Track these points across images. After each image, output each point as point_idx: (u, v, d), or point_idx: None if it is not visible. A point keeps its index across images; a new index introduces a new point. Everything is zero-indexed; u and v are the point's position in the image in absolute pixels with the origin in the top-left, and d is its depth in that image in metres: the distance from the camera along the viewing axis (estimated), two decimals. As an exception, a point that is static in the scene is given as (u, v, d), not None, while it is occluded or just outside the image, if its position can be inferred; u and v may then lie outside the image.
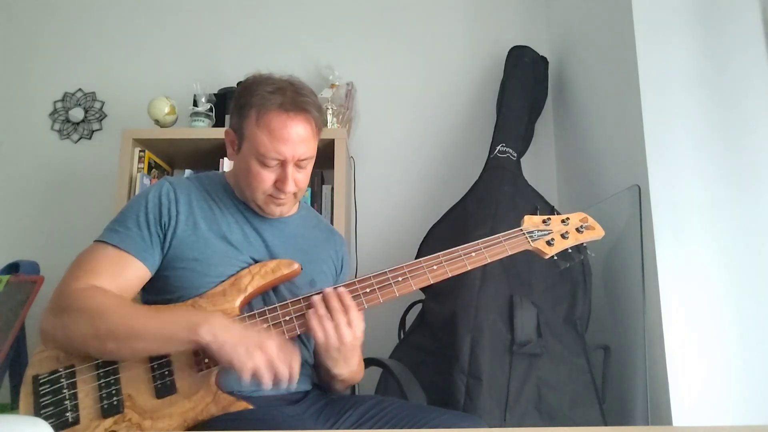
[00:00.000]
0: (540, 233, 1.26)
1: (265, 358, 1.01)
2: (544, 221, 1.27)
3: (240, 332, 1.03)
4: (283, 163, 1.18)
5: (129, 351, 1.06)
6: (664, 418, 1.47)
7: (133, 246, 1.15)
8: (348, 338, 1.10)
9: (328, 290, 1.13)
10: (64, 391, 1.05)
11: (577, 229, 1.28)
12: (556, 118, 2.41)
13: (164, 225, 1.19)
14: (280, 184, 1.19)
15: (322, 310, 1.11)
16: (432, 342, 1.77)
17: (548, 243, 1.25)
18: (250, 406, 1.09)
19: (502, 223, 1.76)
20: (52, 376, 1.06)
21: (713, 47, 1.65)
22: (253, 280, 1.17)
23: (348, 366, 1.17)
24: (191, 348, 1.06)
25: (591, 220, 1.30)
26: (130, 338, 1.04)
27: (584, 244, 1.29)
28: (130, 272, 1.14)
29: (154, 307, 1.14)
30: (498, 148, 2.00)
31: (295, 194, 1.24)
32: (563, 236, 1.26)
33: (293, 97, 1.18)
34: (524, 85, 2.15)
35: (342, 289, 1.13)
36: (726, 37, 1.66)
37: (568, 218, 1.28)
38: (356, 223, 2.30)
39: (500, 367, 1.60)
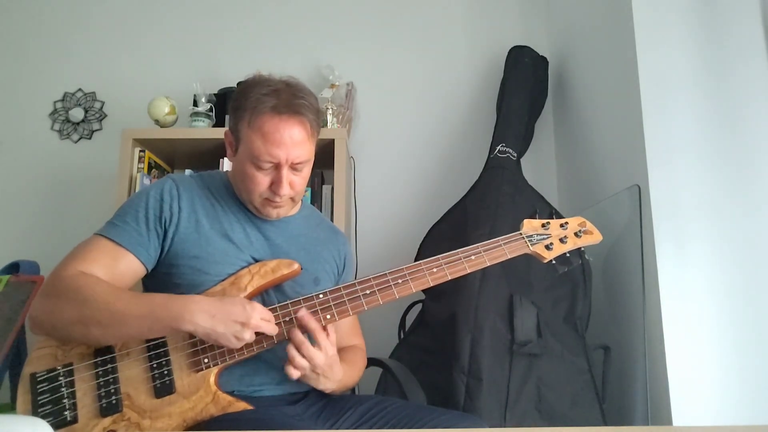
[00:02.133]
0: (539, 237, 1.26)
1: (250, 331, 1.05)
2: (543, 225, 1.28)
3: (220, 314, 1.04)
4: (277, 166, 1.18)
5: (113, 336, 1.07)
6: (664, 418, 1.47)
7: (129, 240, 1.15)
8: (320, 361, 1.10)
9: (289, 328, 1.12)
10: (63, 389, 1.05)
11: (576, 234, 1.28)
12: (556, 118, 2.41)
13: (165, 222, 1.19)
14: (274, 186, 1.19)
15: (292, 351, 1.10)
16: (432, 342, 1.77)
17: (547, 247, 1.26)
18: (250, 407, 1.09)
19: (502, 224, 1.77)
20: (50, 374, 1.06)
21: (713, 47, 1.65)
22: (253, 280, 1.17)
23: (330, 380, 1.16)
24: (173, 334, 1.10)
25: (589, 225, 1.31)
26: (114, 324, 1.05)
27: (582, 249, 1.30)
28: (122, 265, 1.15)
29: (138, 294, 1.14)
30: (498, 148, 2.00)
31: (292, 198, 1.24)
32: (562, 240, 1.26)
33: (288, 99, 1.17)
34: (524, 85, 2.15)
35: (302, 313, 1.11)
36: (726, 37, 1.66)
37: (566, 222, 1.29)
38: (356, 223, 2.30)
39: (500, 367, 1.59)
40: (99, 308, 1.04)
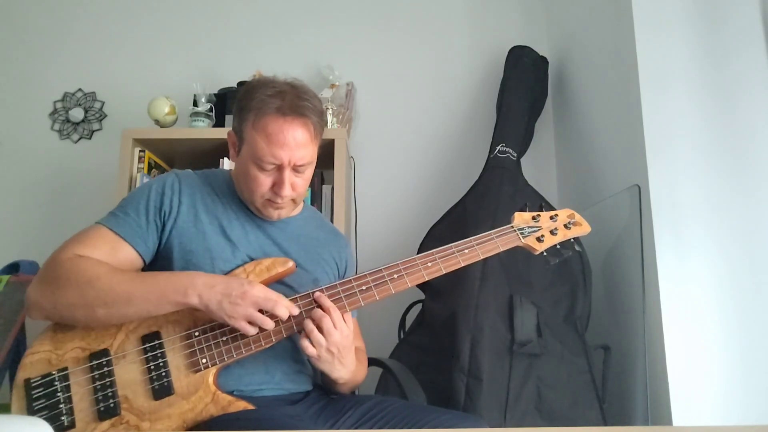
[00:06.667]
0: (530, 230, 1.28)
1: (250, 304, 1.05)
2: (533, 218, 1.30)
3: (223, 287, 1.06)
4: (279, 168, 1.18)
5: (119, 316, 1.07)
6: (664, 418, 1.46)
7: (128, 231, 1.16)
8: (336, 337, 1.10)
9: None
10: (58, 394, 1.04)
11: (565, 226, 1.30)
12: (556, 118, 2.41)
13: (164, 215, 1.19)
14: (276, 188, 1.19)
15: (309, 325, 1.10)
16: (432, 342, 1.77)
17: (538, 239, 1.27)
18: (250, 406, 1.08)
19: (502, 223, 1.76)
20: (44, 380, 1.04)
21: (713, 47, 1.65)
22: (248, 278, 1.16)
23: (345, 367, 1.16)
24: (179, 309, 1.09)
25: (578, 216, 1.33)
26: (120, 303, 1.05)
27: (572, 240, 1.31)
28: (121, 255, 1.15)
29: (140, 273, 1.15)
30: (498, 148, 2.00)
31: (293, 199, 1.24)
32: (552, 232, 1.28)
33: (293, 101, 1.17)
34: (524, 85, 2.15)
35: (318, 294, 1.13)
36: (726, 37, 1.66)
37: (556, 215, 1.31)
38: (356, 223, 2.30)
39: (500, 367, 1.59)
40: (103, 289, 1.05)
